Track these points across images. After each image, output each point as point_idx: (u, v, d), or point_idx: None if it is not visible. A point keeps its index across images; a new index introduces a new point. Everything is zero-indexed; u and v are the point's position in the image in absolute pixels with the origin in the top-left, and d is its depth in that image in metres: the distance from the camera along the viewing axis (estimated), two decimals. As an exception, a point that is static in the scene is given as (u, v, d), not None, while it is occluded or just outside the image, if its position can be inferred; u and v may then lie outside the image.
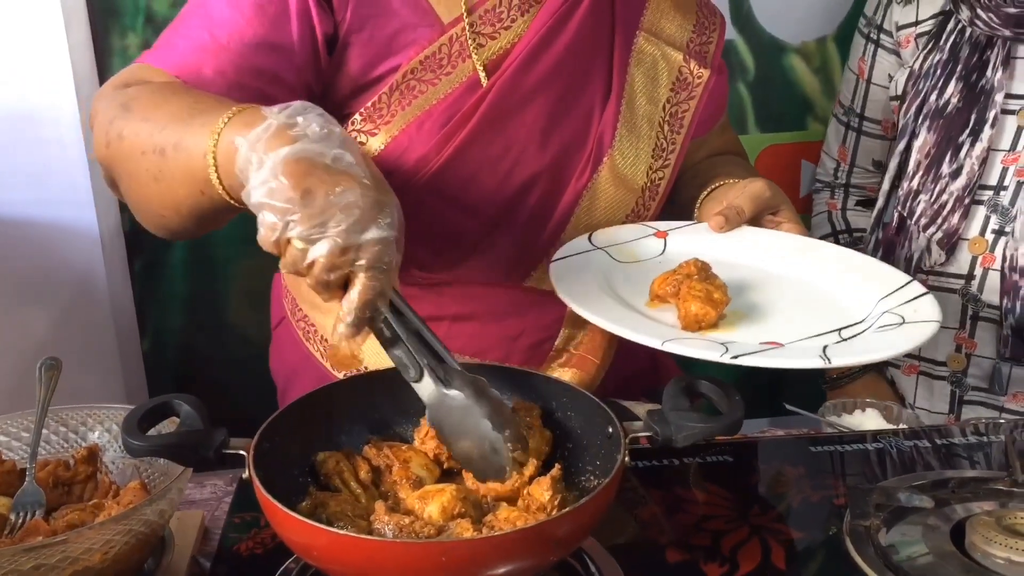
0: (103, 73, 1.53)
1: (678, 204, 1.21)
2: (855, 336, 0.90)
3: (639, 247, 1.06)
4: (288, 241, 0.72)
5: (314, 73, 1.03)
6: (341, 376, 1.10)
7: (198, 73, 0.98)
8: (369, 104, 1.04)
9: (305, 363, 1.21)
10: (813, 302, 0.98)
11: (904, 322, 0.90)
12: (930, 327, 0.88)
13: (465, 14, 1.05)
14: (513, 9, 1.06)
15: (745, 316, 0.95)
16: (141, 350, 1.65)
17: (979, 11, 1.24)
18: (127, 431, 0.73)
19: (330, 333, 0.75)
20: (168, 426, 0.81)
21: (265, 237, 0.73)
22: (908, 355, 1.38)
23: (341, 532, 0.68)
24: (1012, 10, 1.20)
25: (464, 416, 0.78)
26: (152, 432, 0.76)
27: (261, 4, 0.99)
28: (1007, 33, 1.23)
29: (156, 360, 1.66)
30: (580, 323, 1.14)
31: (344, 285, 0.73)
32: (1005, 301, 1.26)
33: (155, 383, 1.65)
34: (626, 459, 0.74)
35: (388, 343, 0.77)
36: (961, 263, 1.30)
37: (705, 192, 1.16)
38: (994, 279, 1.27)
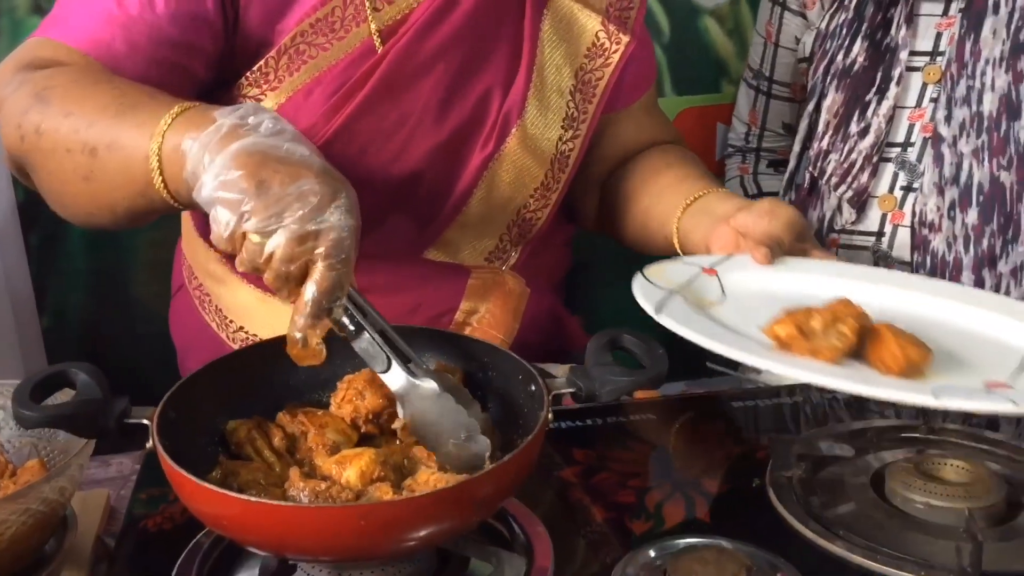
0: None
1: (589, 176, 1.18)
2: None
3: (696, 284, 0.96)
4: (244, 235, 0.70)
5: (225, 38, 0.99)
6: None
7: (109, 48, 0.93)
8: (257, 67, 1.00)
9: (202, 332, 1.16)
10: (965, 341, 0.88)
11: None
12: None
13: None
14: None
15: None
16: (40, 326, 1.57)
17: (883, -31, 1.25)
18: (19, 401, 0.69)
19: (288, 326, 0.72)
20: (62, 399, 0.77)
21: (219, 234, 0.71)
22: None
23: (254, 499, 0.64)
24: (916, -33, 1.22)
25: (437, 405, 0.75)
26: (48, 404, 0.72)
27: None
28: (910, -10, 1.25)
29: (57, 336, 1.58)
30: (482, 297, 1.11)
31: (304, 279, 0.71)
32: (915, 256, 1.29)
33: (56, 360, 1.56)
34: (549, 416, 0.73)
35: (351, 335, 0.74)
36: (871, 220, 1.32)
37: (683, 205, 1.10)
38: (904, 235, 1.30)
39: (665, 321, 0.84)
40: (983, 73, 1.22)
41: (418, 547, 0.68)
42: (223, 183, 0.71)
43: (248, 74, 1.00)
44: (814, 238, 1.07)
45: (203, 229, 1.14)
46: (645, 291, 0.91)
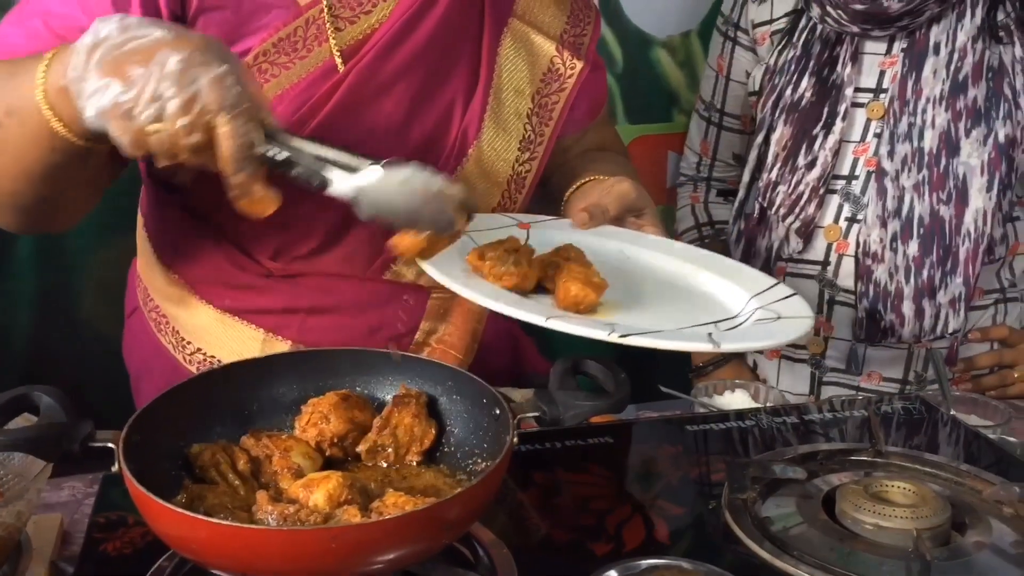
0: None
1: (547, 193, 1.21)
2: (733, 328, 0.93)
3: (501, 236, 1.05)
4: (144, 133, 0.72)
5: None
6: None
7: (17, 52, 0.92)
8: None
9: (157, 355, 1.15)
10: (685, 297, 1.00)
11: (779, 318, 0.93)
12: (806, 323, 0.91)
13: None
14: None
15: (620, 305, 0.95)
16: (-16, 349, 1.54)
17: (828, 8, 1.30)
18: (-19, 425, 0.68)
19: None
20: (20, 423, 0.76)
21: (124, 146, 0.73)
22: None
23: (223, 523, 0.65)
24: (859, 7, 1.27)
25: (392, 183, 0.76)
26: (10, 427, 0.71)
27: None
28: (855, 29, 1.29)
29: (1, 359, 1.55)
30: (442, 317, 1.13)
31: None
32: (859, 285, 1.33)
33: (0, 383, 1.54)
34: (515, 440, 0.74)
35: (284, 168, 0.75)
36: (817, 250, 1.36)
37: (574, 187, 1.16)
38: (848, 265, 1.34)
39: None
40: (924, 111, 1.27)
41: (386, 570, 0.69)
42: (98, 98, 0.73)
43: None
44: (654, 216, 1.12)
45: (160, 250, 1.13)
46: None
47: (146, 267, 1.17)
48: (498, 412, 0.78)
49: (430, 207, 0.76)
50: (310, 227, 1.06)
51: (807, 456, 0.93)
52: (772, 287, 1.00)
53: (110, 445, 0.70)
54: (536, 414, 0.77)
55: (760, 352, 1.47)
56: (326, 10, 1.01)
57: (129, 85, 0.72)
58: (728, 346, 0.85)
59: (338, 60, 1.01)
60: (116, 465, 0.69)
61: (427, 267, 0.90)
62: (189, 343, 1.11)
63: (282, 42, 1.00)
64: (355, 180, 0.77)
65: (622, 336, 0.82)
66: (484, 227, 1.04)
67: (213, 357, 1.10)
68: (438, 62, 1.07)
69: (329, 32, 1.01)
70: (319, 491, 0.71)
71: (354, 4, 1.03)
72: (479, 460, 0.80)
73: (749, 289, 1.00)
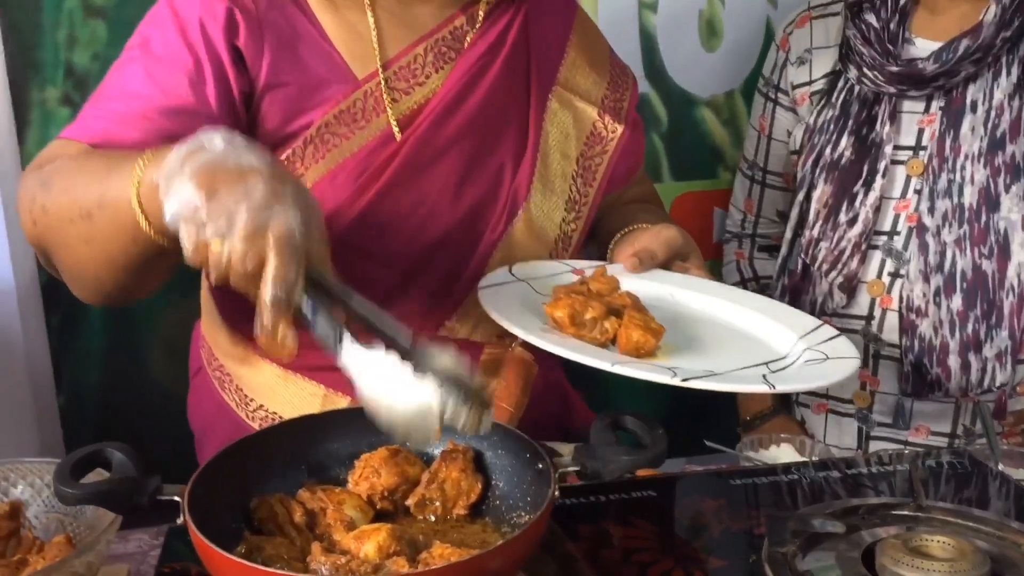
0: (21, 127, 1.52)
1: (592, 239, 1.25)
2: (784, 369, 0.95)
3: (557, 282, 1.09)
4: (207, 245, 0.75)
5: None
6: (278, 362, 1.13)
7: (115, 143, 0.99)
8: (283, 157, 1.06)
9: (220, 412, 1.20)
10: (736, 340, 1.03)
11: (827, 358, 0.95)
12: (852, 363, 0.94)
13: (380, 70, 1.08)
14: (428, 66, 1.10)
15: (676, 349, 0.98)
16: (57, 405, 1.61)
17: (865, 70, 1.33)
18: (60, 480, 0.73)
19: (255, 328, 0.76)
20: (93, 477, 0.81)
21: (187, 250, 0.77)
22: (816, 394, 1.45)
23: (280, 572, 0.68)
24: (894, 68, 1.30)
25: (389, 374, 0.75)
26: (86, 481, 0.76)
27: (176, 72, 1.01)
28: (892, 90, 1.32)
29: (73, 415, 1.63)
30: (494, 370, 1.16)
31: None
32: (904, 339, 1.34)
33: (72, 438, 1.61)
34: (556, 493, 0.77)
35: (309, 325, 0.76)
36: (861, 305, 1.37)
37: (619, 234, 1.20)
38: (892, 319, 1.35)
39: (480, 294, 1.02)
40: (963, 167, 1.29)
41: (433, 618, 0.72)
42: (180, 201, 0.76)
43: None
44: (699, 260, 1.15)
45: (224, 311, 1.19)
46: (497, 276, 1.07)
47: (210, 327, 1.23)
48: (541, 466, 0.82)
49: (412, 429, 0.75)
50: (371, 287, 1.11)
51: (849, 510, 0.94)
52: (817, 328, 1.03)
53: (176, 499, 0.75)
54: (577, 468, 0.80)
55: (807, 406, 1.48)
56: (383, 83, 1.07)
57: (212, 199, 0.75)
58: (782, 387, 0.87)
59: (395, 129, 1.07)
60: (181, 518, 0.74)
61: (499, 318, 0.96)
62: (252, 400, 1.17)
63: (342, 114, 1.06)
64: (356, 372, 0.76)
65: (684, 380, 0.86)
66: (542, 274, 1.10)
67: (275, 413, 1.15)
68: (488, 128, 1.12)
69: (386, 103, 1.08)
70: (370, 543, 0.75)
71: (409, 76, 1.09)
72: (523, 513, 0.83)
73: (796, 330, 1.02)
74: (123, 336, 1.63)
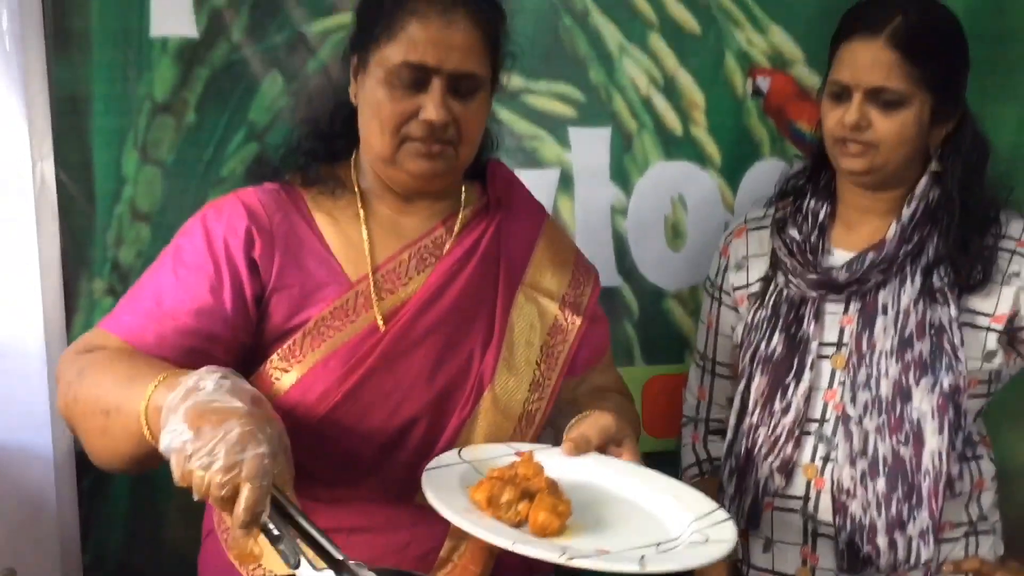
0: (70, 312, 1.70)
1: (558, 428, 1.40)
2: (670, 550, 1.09)
3: (498, 464, 1.22)
4: (192, 472, 0.92)
5: (244, 328, 1.24)
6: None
7: (142, 338, 1.19)
8: (285, 346, 1.24)
9: (228, 572, 1.33)
10: (640, 521, 1.17)
11: (708, 541, 1.09)
12: (723, 547, 1.07)
13: (370, 273, 1.26)
14: (411, 269, 1.28)
15: (584, 528, 1.12)
16: (83, 564, 1.74)
17: (790, 276, 1.51)
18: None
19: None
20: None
21: (175, 476, 0.94)
22: (762, 568, 1.55)
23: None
24: (813, 276, 1.48)
25: None
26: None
27: (200, 277, 1.22)
28: (814, 294, 1.49)
29: (95, 573, 1.75)
30: (462, 534, 1.29)
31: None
32: (837, 519, 1.45)
33: (96, 599, 1.74)
34: None
35: (274, 540, 0.93)
36: (798, 486, 1.49)
37: (573, 421, 1.33)
38: (827, 500, 1.46)
39: (424, 475, 1.15)
40: (878, 362, 1.44)
41: None
42: (173, 436, 0.93)
43: (279, 351, 1.24)
44: (632, 443, 1.28)
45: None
46: (444, 458, 1.20)
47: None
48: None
49: None
50: (354, 460, 1.26)
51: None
52: (712, 512, 1.16)
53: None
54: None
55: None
56: (372, 284, 1.26)
57: (198, 436, 0.91)
58: (653, 567, 1.01)
59: (380, 322, 1.25)
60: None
61: (430, 498, 1.11)
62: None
63: (337, 310, 1.24)
64: None
65: (571, 558, 1.00)
66: (486, 456, 1.23)
67: (271, 572, 1.27)
68: (461, 320, 1.30)
69: (374, 300, 1.26)
70: None
71: (395, 278, 1.28)
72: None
73: (693, 512, 1.16)
74: (145, 500, 1.77)
